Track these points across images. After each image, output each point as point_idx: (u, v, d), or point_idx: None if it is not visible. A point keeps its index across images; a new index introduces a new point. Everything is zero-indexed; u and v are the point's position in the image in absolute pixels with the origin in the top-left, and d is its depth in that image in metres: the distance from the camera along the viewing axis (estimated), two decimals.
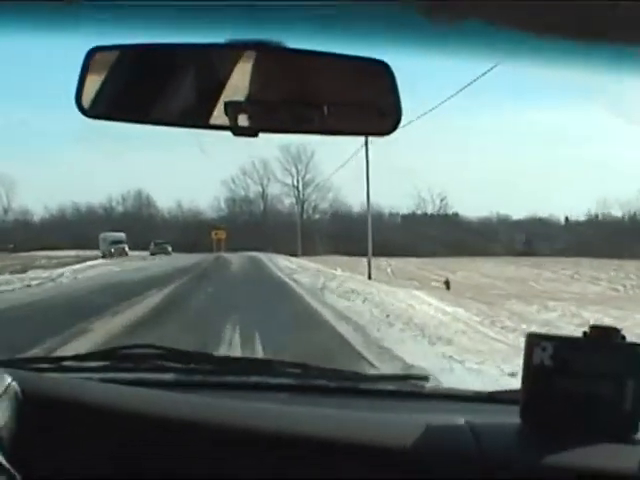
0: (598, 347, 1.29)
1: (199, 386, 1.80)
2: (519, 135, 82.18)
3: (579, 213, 67.75)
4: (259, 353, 8.06)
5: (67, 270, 26.70)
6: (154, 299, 15.01)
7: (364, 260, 30.25)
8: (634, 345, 1.29)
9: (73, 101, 1.21)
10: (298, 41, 1.14)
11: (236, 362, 2.30)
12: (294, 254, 46.77)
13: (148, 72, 1.24)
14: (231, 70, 1.22)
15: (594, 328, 1.30)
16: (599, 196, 70.54)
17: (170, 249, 50.58)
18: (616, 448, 1.26)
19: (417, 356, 8.15)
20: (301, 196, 64.96)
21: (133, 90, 1.25)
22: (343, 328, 10.75)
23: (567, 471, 1.21)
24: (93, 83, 1.22)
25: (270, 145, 59.23)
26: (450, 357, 8.16)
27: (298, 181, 64.77)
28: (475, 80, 20.48)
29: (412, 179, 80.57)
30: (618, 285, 28.56)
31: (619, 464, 1.22)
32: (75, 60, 1.22)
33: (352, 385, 1.87)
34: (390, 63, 1.19)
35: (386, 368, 7.38)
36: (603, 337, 1.29)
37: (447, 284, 25.26)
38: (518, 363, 1.52)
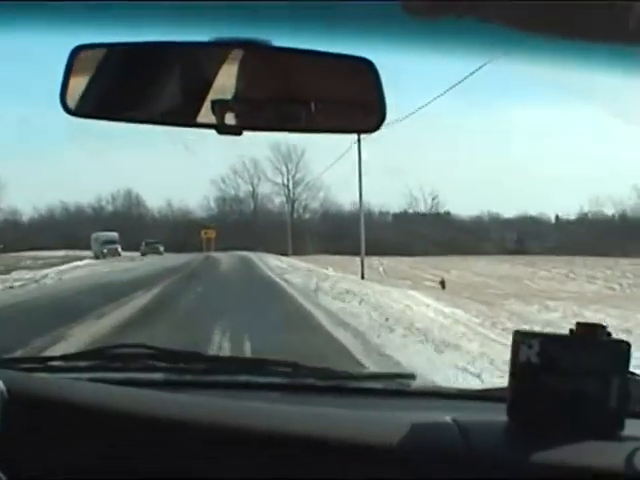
0: (584, 344, 1.30)
1: (189, 385, 1.80)
2: (509, 133, 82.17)
3: (569, 211, 67.82)
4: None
5: (52, 271, 26.36)
6: (141, 300, 14.62)
7: (355, 259, 30.00)
8: (619, 342, 1.30)
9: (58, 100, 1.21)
10: (284, 39, 1.15)
11: (226, 361, 2.32)
12: (284, 253, 46.59)
13: (133, 70, 1.23)
14: (217, 68, 1.22)
15: (580, 325, 1.31)
16: (591, 194, 70.71)
17: (162, 249, 50.07)
18: (602, 445, 1.27)
19: (427, 366, 7.61)
20: (291, 195, 64.72)
21: (118, 89, 1.25)
22: (341, 334, 10.07)
23: (554, 468, 1.21)
24: (78, 82, 1.21)
25: (260, 144, 59.17)
26: (464, 369, 7.60)
27: (288, 180, 64.55)
28: (465, 78, 20.28)
29: (403, 178, 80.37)
30: (614, 284, 28.20)
31: (605, 461, 1.23)
32: (61, 58, 1.21)
33: (341, 384, 1.87)
34: (377, 61, 1.20)
35: (375, 367, 7.31)
36: (589, 334, 1.30)
37: (442, 284, 24.83)
38: None
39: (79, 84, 1.22)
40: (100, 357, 1.93)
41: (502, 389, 1.44)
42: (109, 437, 1.28)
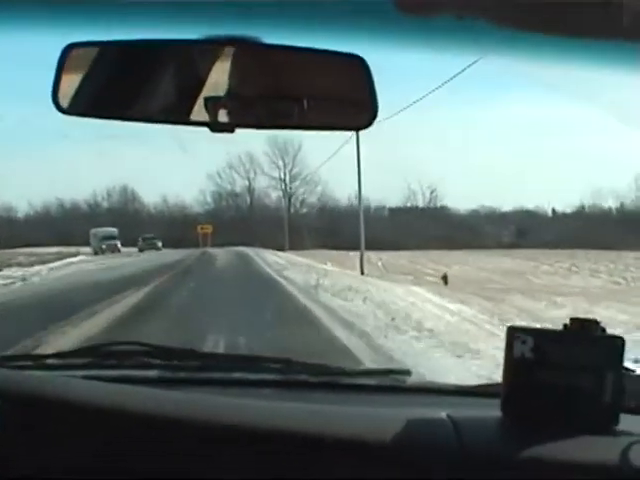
0: (578, 339, 1.30)
1: (183, 383, 1.80)
2: (505, 127, 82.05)
3: (567, 205, 67.79)
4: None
5: (43, 269, 25.88)
6: (132, 299, 14.17)
7: (352, 254, 29.51)
8: (613, 337, 1.30)
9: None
10: (276, 37, 1.15)
11: (220, 358, 2.33)
12: (281, 249, 46.37)
13: (125, 69, 1.23)
14: (209, 66, 1.22)
15: (574, 320, 1.31)
16: (593, 187, 70.61)
17: (160, 244, 49.63)
18: (597, 440, 1.27)
19: (454, 376, 6.80)
20: (288, 190, 64.46)
21: (110, 87, 1.25)
22: (346, 336, 9.36)
23: (548, 463, 1.21)
24: (70, 80, 1.22)
25: (257, 138, 58.88)
26: (489, 379, 6.87)
27: (285, 174, 64.34)
28: (460, 73, 20.24)
29: (400, 172, 79.86)
30: (619, 278, 27.74)
31: (600, 456, 1.23)
32: (54, 55, 1.22)
33: (335, 380, 1.87)
34: (370, 58, 1.21)
35: (369, 363, 7.12)
36: (583, 329, 1.30)
37: (445, 279, 24.24)
38: None
39: (71, 82, 1.22)
40: (94, 355, 1.94)
41: (497, 384, 1.44)
42: (104, 434, 1.28)
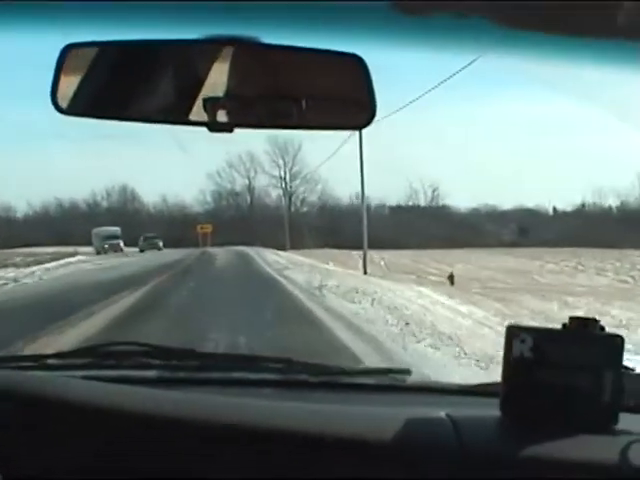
0: (577, 339, 1.29)
1: (183, 382, 1.80)
2: (506, 126, 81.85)
3: (568, 203, 67.55)
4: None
5: (37, 270, 25.52)
6: (127, 300, 13.77)
7: (354, 253, 29.13)
8: (612, 336, 1.29)
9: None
10: (275, 36, 1.15)
11: (220, 358, 2.28)
12: (282, 248, 46.05)
13: (124, 69, 1.23)
14: (208, 66, 1.22)
15: (573, 319, 1.30)
16: (594, 186, 70.32)
17: (161, 244, 49.12)
18: (596, 439, 1.26)
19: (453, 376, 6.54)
20: (289, 188, 64.09)
21: (109, 87, 1.25)
22: (359, 348, 8.45)
23: (548, 463, 1.21)
24: (69, 80, 1.22)
25: (257, 137, 58.64)
26: None
27: (285, 173, 63.94)
28: (459, 71, 20.13)
29: (401, 170, 79.62)
30: (626, 276, 27.34)
31: (599, 455, 1.22)
32: (52, 56, 1.22)
33: (335, 379, 1.87)
34: (369, 57, 1.20)
35: (369, 362, 7.07)
36: (582, 328, 1.30)
37: (451, 279, 23.81)
38: None
39: (70, 83, 1.22)
40: (94, 355, 1.95)
41: (496, 384, 1.43)
42: (104, 435, 1.28)
